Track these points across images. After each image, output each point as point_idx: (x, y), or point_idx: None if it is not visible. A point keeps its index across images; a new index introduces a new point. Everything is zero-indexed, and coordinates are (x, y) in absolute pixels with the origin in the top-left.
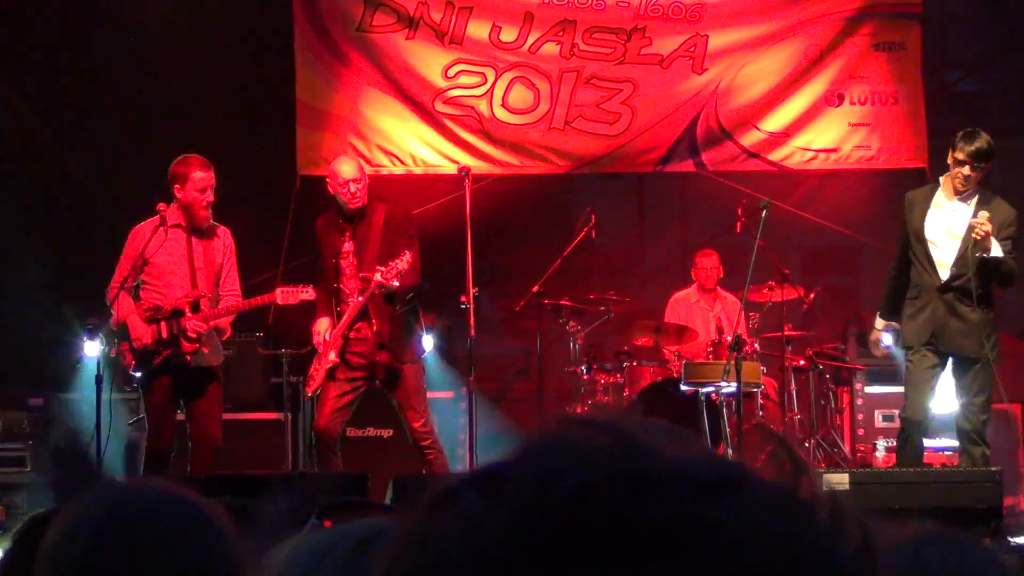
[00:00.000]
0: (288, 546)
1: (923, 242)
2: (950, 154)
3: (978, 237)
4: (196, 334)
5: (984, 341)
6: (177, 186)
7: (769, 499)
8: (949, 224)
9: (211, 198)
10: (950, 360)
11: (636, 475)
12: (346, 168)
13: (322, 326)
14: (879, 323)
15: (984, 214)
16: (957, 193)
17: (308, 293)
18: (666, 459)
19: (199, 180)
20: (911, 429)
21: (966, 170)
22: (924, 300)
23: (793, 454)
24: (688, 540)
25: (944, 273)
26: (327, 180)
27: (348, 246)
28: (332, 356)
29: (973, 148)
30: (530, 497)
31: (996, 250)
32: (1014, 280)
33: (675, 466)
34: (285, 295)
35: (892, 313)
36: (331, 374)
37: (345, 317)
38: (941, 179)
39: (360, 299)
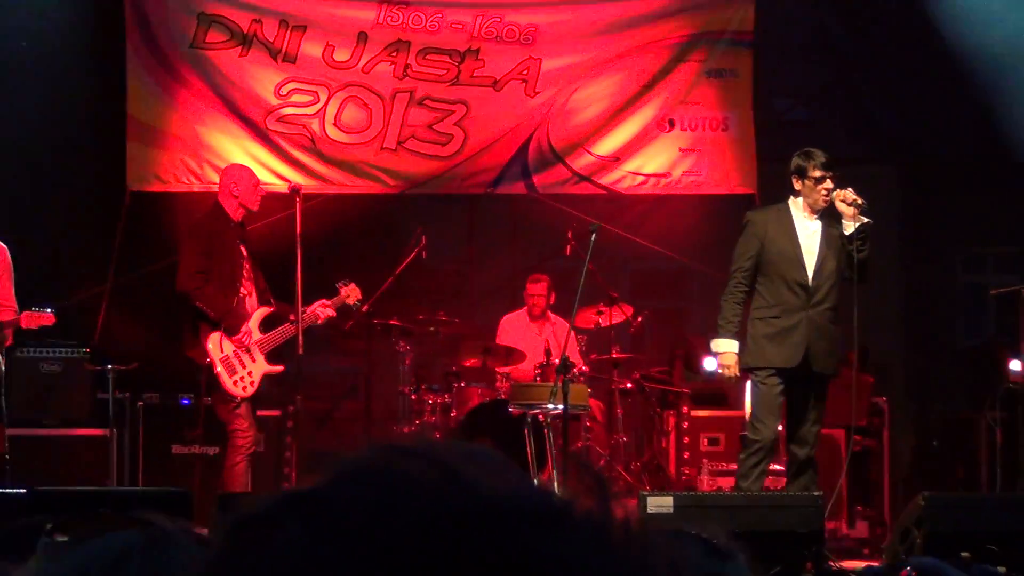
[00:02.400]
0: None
1: (795, 262)
2: (799, 181)
3: (848, 199)
4: None
5: (838, 359)
6: None
7: (589, 531)
8: (808, 243)
9: None
10: (798, 382)
11: (468, 510)
12: (253, 172)
13: (253, 321)
14: (735, 344)
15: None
16: (815, 212)
17: (48, 318)
18: (493, 492)
19: None
20: (764, 453)
21: (828, 183)
22: (791, 320)
23: (603, 483)
24: (527, 571)
25: (808, 290)
26: (230, 182)
27: (243, 250)
28: (273, 366)
29: (822, 160)
30: (361, 532)
31: (850, 227)
32: (872, 272)
33: (503, 499)
34: (29, 319)
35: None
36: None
37: (287, 331)
38: (790, 203)
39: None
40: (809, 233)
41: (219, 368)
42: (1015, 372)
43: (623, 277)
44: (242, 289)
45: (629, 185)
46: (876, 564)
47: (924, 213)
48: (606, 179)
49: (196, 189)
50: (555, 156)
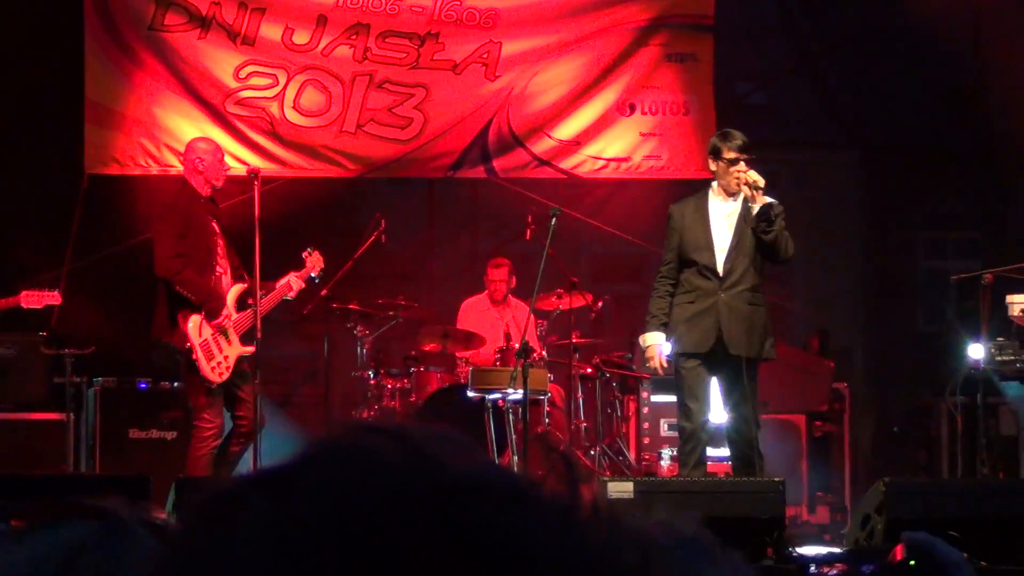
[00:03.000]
0: None
1: (704, 248)
2: (714, 162)
3: (748, 180)
4: None
5: (764, 341)
6: None
7: (556, 510)
8: (720, 226)
9: None
10: (721, 366)
11: (435, 487)
12: (219, 145)
13: (230, 301)
14: (659, 336)
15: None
16: (731, 194)
17: (54, 298)
18: (460, 470)
19: None
20: (697, 439)
21: (742, 165)
22: (704, 304)
23: (571, 465)
24: (495, 548)
25: (718, 274)
26: (195, 157)
27: (215, 226)
28: (245, 347)
29: (738, 143)
30: (330, 507)
31: (754, 208)
32: (788, 253)
33: (470, 478)
34: (29, 299)
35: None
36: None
37: (261, 305)
38: (710, 188)
39: (293, 289)
40: (723, 216)
41: (198, 353)
42: (975, 358)
43: (583, 261)
44: (217, 267)
45: (589, 169)
46: (837, 550)
47: (885, 198)
48: (566, 163)
49: (154, 172)
50: (515, 140)
